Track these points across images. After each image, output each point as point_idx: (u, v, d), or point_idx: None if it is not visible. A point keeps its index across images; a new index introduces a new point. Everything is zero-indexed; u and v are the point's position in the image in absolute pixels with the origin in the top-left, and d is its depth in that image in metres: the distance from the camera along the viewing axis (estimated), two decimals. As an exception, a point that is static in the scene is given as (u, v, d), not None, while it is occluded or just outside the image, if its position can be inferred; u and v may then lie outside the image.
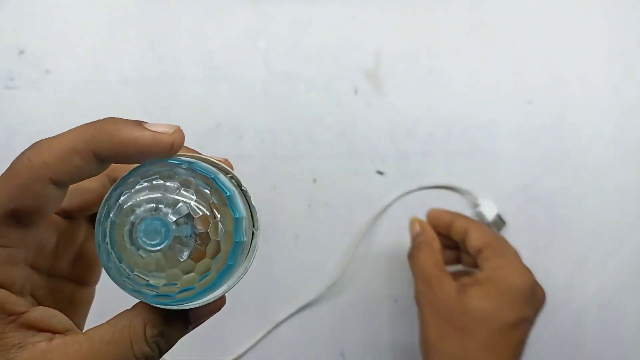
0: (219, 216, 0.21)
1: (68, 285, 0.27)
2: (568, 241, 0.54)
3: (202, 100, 0.54)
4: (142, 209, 0.21)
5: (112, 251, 0.21)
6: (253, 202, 0.23)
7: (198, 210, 0.21)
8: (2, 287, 0.21)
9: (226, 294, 0.24)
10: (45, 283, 0.25)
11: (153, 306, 0.22)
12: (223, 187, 0.22)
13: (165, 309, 0.22)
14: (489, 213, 0.53)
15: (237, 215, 0.22)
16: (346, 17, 0.55)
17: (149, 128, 0.21)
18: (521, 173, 0.55)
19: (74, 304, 0.28)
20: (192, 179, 0.21)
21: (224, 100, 0.54)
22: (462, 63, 0.56)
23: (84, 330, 0.24)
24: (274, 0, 0.55)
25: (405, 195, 0.54)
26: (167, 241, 0.21)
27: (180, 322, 0.23)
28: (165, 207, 0.21)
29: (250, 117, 0.54)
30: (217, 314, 0.25)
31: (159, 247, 0.21)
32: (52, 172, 0.21)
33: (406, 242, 0.51)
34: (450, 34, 0.56)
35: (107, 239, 0.21)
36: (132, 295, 0.22)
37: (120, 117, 0.23)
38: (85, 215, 0.28)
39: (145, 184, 0.21)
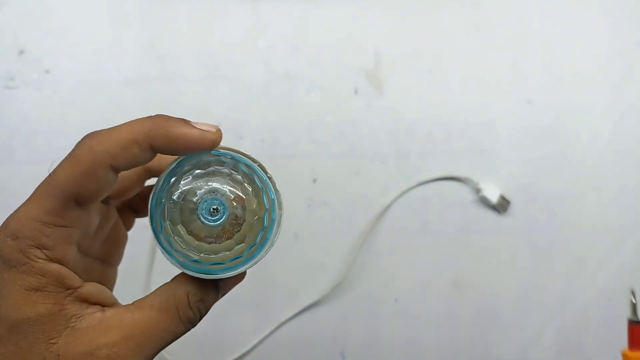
0: (262, 196, 0.26)
1: (98, 265, 0.30)
2: (568, 241, 0.54)
3: (202, 100, 0.54)
4: (202, 191, 0.25)
5: (175, 228, 0.25)
6: (277, 186, 0.27)
7: (247, 191, 0.26)
8: (61, 264, 0.24)
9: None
10: (82, 261, 0.27)
11: (191, 277, 0.26)
12: (261, 173, 0.26)
13: (201, 280, 0.26)
14: (493, 195, 0.53)
15: (272, 197, 0.26)
16: (346, 17, 0.55)
17: (196, 126, 0.25)
18: (521, 173, 0.55)
19: (102, 283, 0.30)
20: (239, 165, 0.26)
21: (224, 100, 0.54)
22: (462, 63, 0.56)
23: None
24: (274, 0, 0.55)
25: (405, 193, 0.54)
26: (225, 217, 0.25)
27: (214, 290, 0.27)
28: (222, 188, 0.26)
29: (250, 117, 0.54)
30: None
31: (219, 222, 0.25)
32: (113, 160, 0.23)
33: (407, 241, 0.51)
34: (450, 34, 0.56)
35: (173, 218, 0.25)
36: (185, 266, 0.25)
37: (126, 118, 0.26)
38: (117, 201, 0.31)
39: (203, 171, 0.26)
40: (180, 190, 0.25)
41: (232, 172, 0.26)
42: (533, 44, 0.56)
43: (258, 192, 0.26)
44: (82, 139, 0.24)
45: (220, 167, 0.26)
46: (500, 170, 0.55)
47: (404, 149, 0.54)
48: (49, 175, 0.24)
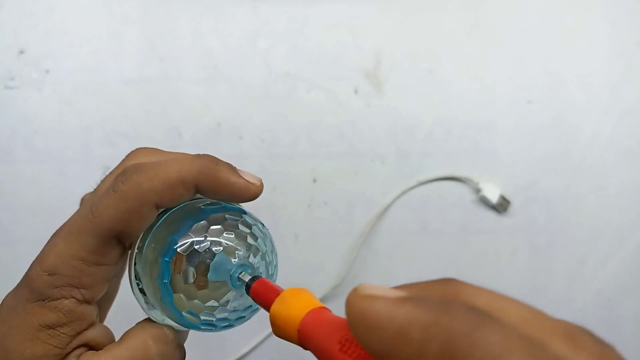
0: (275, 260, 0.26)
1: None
2: (568, 241, 0.54)
3: (202, 100, 0.54)
4: (235, 263, 0.24)
5: (191, 302, 0.24)
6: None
7: (273, 270, 0.26)
8: (92, 303, 0.23)
9: None
10: None
11: (157, 323, 0.25)
12: (271, 239, 0.26)
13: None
14: (493, 195, 0.53)
15: (275, 262, 0.26)
16: (346, 17, 0.55)
17: (242, 176, 0.24)
18: (521, 173, 0.55)
19: (108, 296, 0.29)
20: (267, 241, 0.26)
21: (224, 100, 0.54)
22: (462, 63, 0.56)
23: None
24: (274, 0, 0.55)
25: (405, 193, 0.54)
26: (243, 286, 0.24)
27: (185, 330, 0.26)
28: (253, 256, 0.25)
29: (250, 117, 0.54)
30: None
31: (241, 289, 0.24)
32: (159, 198, 0.23)
33: (407, 241, 0.51)
34: (450, 34, 0.56)
35: (202, 296, 0.24)
36: (203, 329, 0.24)
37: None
38: None
39: (237, 249, 0.24)
40: (214, 256, 0.24)
41: (261, 249, 0.25)
42: (533, 44, 0.56)
43: (276, 267, 0.26)
44: (127, 173, 0.23)
45: (254, 242, 0.25)
46: (500, 170, 0.55)
47: (404, 149, 0.54)
48: (92, 210, 0.23)
